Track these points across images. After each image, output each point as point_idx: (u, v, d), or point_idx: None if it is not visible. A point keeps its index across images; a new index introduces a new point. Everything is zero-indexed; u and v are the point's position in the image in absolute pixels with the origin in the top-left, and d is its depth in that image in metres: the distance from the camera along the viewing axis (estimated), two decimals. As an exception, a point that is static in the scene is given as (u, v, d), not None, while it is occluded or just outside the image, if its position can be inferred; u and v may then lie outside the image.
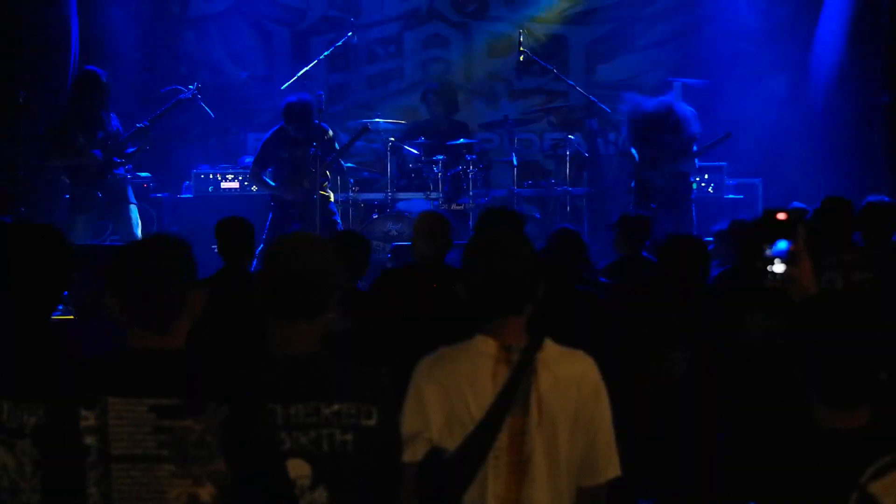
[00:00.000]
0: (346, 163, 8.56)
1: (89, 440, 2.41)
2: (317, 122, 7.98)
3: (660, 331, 4.53)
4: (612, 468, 2.75)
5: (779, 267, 2.72)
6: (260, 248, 7.15)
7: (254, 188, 8.66)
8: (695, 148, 8.19)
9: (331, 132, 8.21)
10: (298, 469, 2.46)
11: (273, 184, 8.09)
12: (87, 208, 7.79)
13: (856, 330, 2.28)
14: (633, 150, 8.20)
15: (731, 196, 9.17)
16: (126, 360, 2.49)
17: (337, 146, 8.23)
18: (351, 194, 9.01)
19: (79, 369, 2.51)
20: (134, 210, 7.96)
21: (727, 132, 8.36)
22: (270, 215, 8.11)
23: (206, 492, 2.40)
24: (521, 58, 9.52)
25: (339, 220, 8.34)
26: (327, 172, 8.13)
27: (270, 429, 2.44)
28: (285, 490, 2.42)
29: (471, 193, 8.80)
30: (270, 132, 8.25)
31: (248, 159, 9.26)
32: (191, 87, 8.34)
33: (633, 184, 8.33)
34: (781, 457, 2.34)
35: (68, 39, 8.98)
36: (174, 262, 2.52)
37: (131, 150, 7.92)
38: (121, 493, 2.40)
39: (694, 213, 8.17)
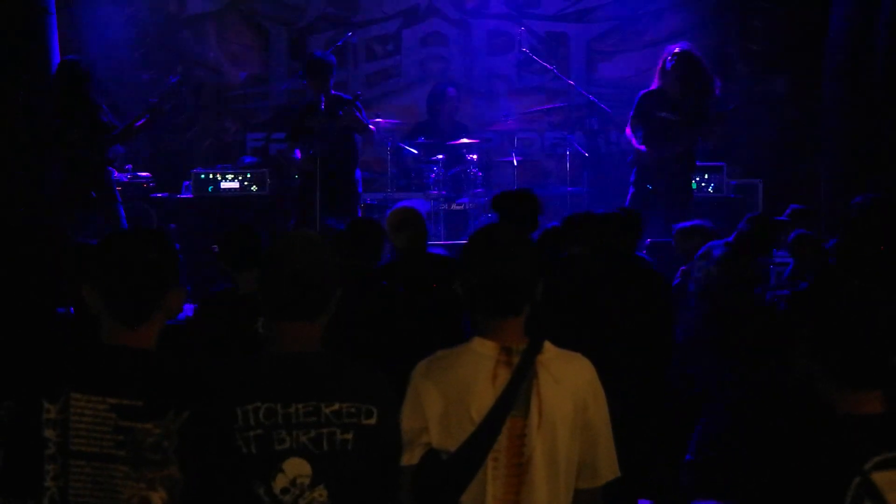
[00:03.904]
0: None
1: (49, 433, 2.41)
2: (333, 90, 8.07)
3: None
4: (611, 470, 2.75)
5: None
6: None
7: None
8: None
9: (351, 100, 8.14)
10: (298, 468, 2.45)
11: (298, 157, 8.13)
12: (83, 205, 7.77)
13: (872, 309, 2.29)
14: (637, 132, 8.04)
15: (731, 196, 9.15)
16: (94, 356, 2.50)
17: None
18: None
19: (46, 362, 2.51)
20: (121, 209, 7.94)
21: (735, 105, 8.21)
22: (298, 195, 8.19)
23: (157, 496, 2.42)
24: (521, 56, 9.51)
25: (360, 192, 8.35)
26: (353, 142, 8.15)
27: (232, 439, 2.42)
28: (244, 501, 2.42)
29: (471, 193, 8.79)
30: (304, 101, 8.35)
31: (248, 159, 9.27)
32: (172, 78, 8.26)
33: (633, 173, 8.18)
34: (791, 439, 2.33)
35: (50, 35, 8.96)
36: (155, 257, 2.52)
37: (121, 150, 7.89)
38: (76, 489, 2.42)
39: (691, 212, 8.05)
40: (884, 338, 2.28)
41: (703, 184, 9.02)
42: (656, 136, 7.86)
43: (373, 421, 2.51)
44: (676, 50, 7.99)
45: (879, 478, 2.20)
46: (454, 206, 8.84)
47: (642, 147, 7.84)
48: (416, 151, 8.92)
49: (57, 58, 8.65)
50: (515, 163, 9.06)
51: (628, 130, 8.02)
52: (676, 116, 7.85)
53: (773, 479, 2.31)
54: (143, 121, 7.80)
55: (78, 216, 7.75)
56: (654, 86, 8.02)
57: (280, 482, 2.43)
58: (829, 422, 2.31)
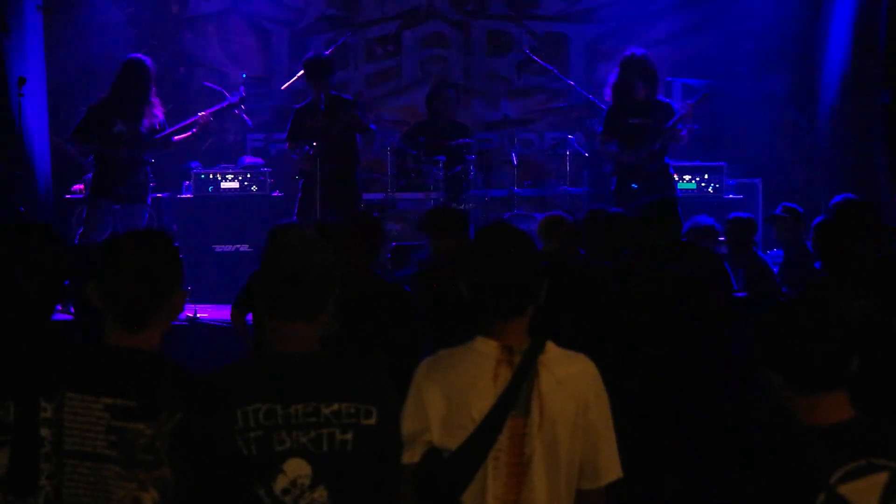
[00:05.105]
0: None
1: (44, 432, 2.43)
2: (333, 90, 8.09)
3: None
4: (613, 471, 2.75)
5: None
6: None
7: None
8: (668, 124, 7.97)
9: (351, 101, 8.16)
10: (298, 469, 2.45)
11: (298, 157, 8.16)
12: (108, 196, 7.81)
13: (822, 314, 2.24)
14: (611, 143, 8.14)
15: (731, 196, 9.15)
16: (93, 355, 2.51)
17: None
18: (350, 194, 8.99)
19: (44, 361, 2.52)
20: (147, 212, 8.00)
21: (704, 93, 8.25)
22: (298, 195, 8.16)
23: (149, 496, 2.43)
24: (522, 57, 9.50)
25: (360, 192, 8.38)
26: (353, 142, 8.17)
27: (233, 441, 2.42)
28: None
29: (471, 193, 8.78)
30: (303, 102, 8.36)
31: (248, 159, 9.27)
32: (235, 94, 8.33)
33: (613, 182, 8.26)
34: (758, 453, 2.30)
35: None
36: (158, 260, 2.52)
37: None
38: (70, 488, 2.42)
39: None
40: (833, 334, 2.22)
41: (703, 184, 9.02)
42: (632, 142, 8.03)
43: (372, 421, 2.50)
44: (626, 57, 8.17)
45: (847, 489, 2.14)
46: (454, 207, 8.82)
47: (622, 153, 8.02)
48: (416, 151, 8.92)
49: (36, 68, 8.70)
50: (515, 163, 9.06)
51: (599, 145, 8.20)
52: (647, 119, 8.01)
53: (743, 499, 2.28)
54: (187, 134, 7.88)
55: (102, 211, 7.79)
56: (615, 97, 8.18)
57: (280, 483, 2.43)
58: (793, 435, 2.24)
